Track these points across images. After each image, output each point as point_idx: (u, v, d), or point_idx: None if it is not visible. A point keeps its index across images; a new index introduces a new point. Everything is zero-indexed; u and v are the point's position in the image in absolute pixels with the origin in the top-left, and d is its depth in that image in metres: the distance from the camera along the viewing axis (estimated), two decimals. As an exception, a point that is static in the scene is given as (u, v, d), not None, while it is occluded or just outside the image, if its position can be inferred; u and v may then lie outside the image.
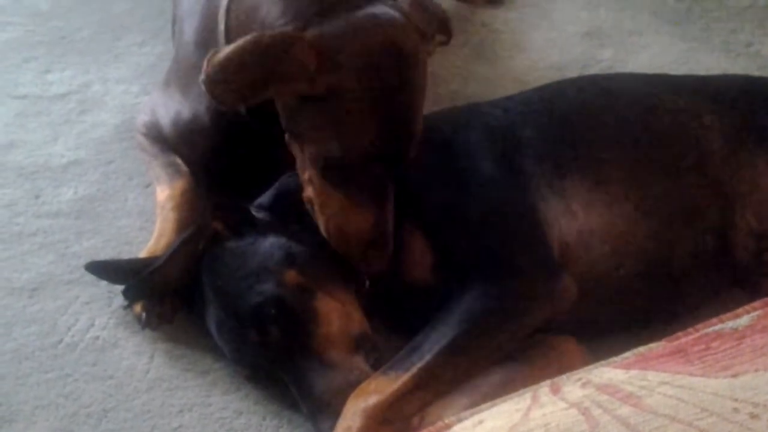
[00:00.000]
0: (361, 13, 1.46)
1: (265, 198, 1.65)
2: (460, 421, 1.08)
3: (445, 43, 1.64)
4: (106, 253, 1.77)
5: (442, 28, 1.62)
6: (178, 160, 1.84)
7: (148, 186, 1.92)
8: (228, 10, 1.61)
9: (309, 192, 1.53)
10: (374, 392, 1.35)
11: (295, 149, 1.53)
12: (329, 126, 1.44)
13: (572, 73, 2.27)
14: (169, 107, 1.85)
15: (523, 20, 2.60)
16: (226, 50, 1.41)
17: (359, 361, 1.45)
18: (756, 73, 2.14)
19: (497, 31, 2.54)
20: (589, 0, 2.69)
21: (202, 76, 1.40)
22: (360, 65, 1.42)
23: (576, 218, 1.54)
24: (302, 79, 1.40)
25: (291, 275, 1.49)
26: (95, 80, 2.27)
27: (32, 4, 2.57)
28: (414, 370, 1.37)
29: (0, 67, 2.31)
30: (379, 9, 1.49)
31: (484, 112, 1.69)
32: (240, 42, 1.41)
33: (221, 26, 1.62)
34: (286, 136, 1.54)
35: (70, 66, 2.32)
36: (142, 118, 1.96)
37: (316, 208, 1.52)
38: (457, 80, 2.30)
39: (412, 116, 1.48)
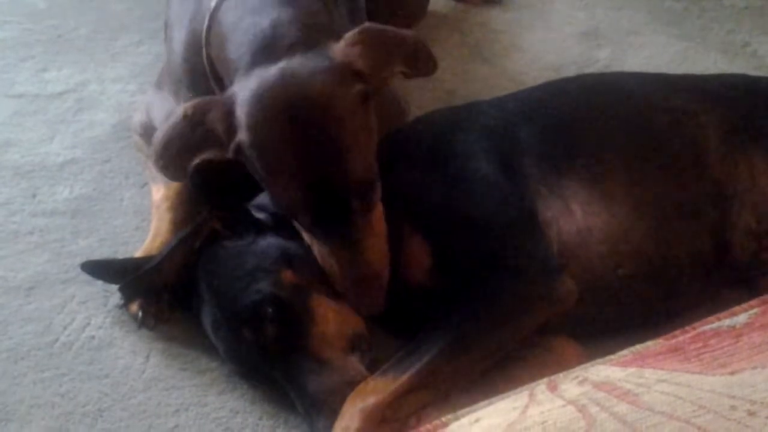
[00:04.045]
0: (278, 66, 1.42)
1: (263, 198, 1.64)
2: (457, 419, 1.08)
3: (408, 75, 1.51)
4: (102, 253, 1.76)
5: (406, 58, 1.50)
6: (174, 160, 1.84)
7: (144, 185, 1.91)
8: (208, 33, 1.60)
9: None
10: (372, 393, 1.35)
11: None
12: (257, 182, 1.47)
13: (569, 73, 2.27)
14: (163, 108, 1.84)
15: (521, 20, 2.60)
16: (158, 132, 1.50)
17: (354, 361, 1.45)
18: (753, 73, 2.14)
19: (494, 31, 2.54)
20: (586, 0, 2.69)
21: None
22: (255, 123, 1.40)
23: (574, 218, 1.54)
24: (216, 145, 1.43)
25: (287, 275, 1.49)
26: (92, 79, 2.26)
27: (29, 3, 2.57)
28: (412, 371, 1.36)
29: (-3, 66, 2.31)
30: (303, 59, 1.43)
31: (481, 112, 1.69)
32: (168, 121, 1.48)
33: (204, 48, 1.61)
34: None
35: (67, 65, 2.31)
36: (138, 118, 1.96)
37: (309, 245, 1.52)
38: (455, 80, 2.30)
39: (336, 166, 1.39)
